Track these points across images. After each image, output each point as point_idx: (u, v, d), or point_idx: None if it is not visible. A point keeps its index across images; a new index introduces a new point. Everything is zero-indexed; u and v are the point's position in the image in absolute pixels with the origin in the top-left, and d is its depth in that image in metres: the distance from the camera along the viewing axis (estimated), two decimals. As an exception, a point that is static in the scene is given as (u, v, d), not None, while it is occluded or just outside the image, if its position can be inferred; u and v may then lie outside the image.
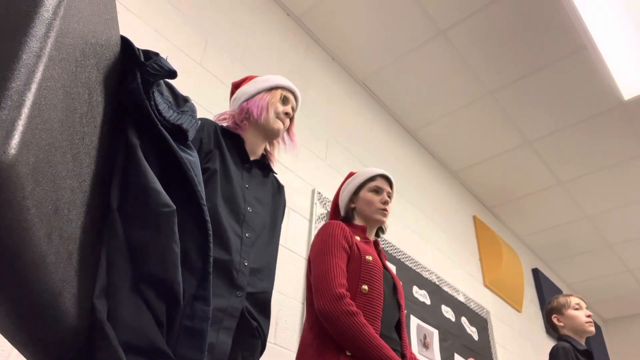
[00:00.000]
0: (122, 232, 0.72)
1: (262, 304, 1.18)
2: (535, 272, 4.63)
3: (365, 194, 1.63)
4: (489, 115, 3.36)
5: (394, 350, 1.37)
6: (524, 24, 2.77)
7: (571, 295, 2.39)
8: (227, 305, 1.07)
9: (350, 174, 1.73)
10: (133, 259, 0.73)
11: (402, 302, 1.52)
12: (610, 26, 2.74)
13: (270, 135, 1.40)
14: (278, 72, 2.53)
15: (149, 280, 0.73)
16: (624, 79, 3.02)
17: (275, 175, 1.44)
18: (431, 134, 3.58)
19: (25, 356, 0.62)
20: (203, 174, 1.18)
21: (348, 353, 1.26)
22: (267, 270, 1.22)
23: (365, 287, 1.38)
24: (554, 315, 2.37)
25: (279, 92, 1.42)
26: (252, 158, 1.36)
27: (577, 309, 2.32)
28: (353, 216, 1.63)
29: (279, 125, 1.39)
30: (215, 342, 1.02)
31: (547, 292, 4.51)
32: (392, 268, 2.69)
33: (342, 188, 1.69)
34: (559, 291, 4.82)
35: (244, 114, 1.38)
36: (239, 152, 1.32)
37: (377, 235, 1.67)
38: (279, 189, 1.41)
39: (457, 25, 2.80)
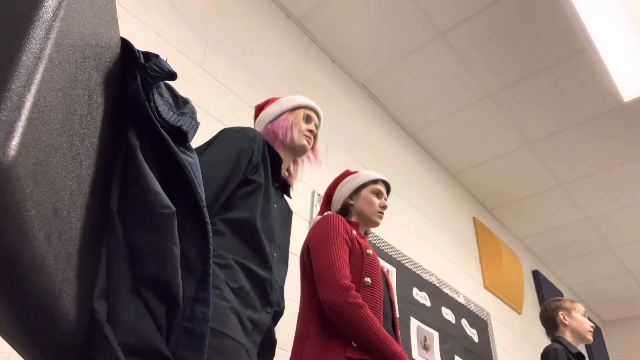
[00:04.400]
0: (121, 233, 0.72)
1: (276, 321, 1.24)
2: (536, 274, 4.63)
3: (367, 194, 1.65)
4: (489, 117, 3.36)
5: None
6: (524, 26, 2.77)
7: (576, 302, 2.43)
8: (258, 318, 1.10)
9: (347, 172, 1.74)
10: (133, 261, 0.73)
11: (394, 300, 1.54)
12: (610, 28, 2.75)
13: (297, 153, 1.45)
14: (278, 73, 2.53)
15: (149, 282, 0.73)
16: (623, 81, 3.02)
17: (288, 198, 1.47)
18: (431, 135, 3.58)
19: (24, 358, 0.61)
20: (247, 185, 1.21)
21: (354, 344, 1.27)
22: (283, 291, 1.27)
23: (368, 279, 1.39)
24: (561, 313, 2.38)
25: (302, 112, 1.46)
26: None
27: (583, 315, 2.37)
28: (349, 212, 1.64)
29: (304, 142, 1.43)
30: None
31: (547, 293, 4.51)
32: (392, 269, 2.69)
33: (342, 183, 1.70)
34: (559, 293, 4.81)
35: (270, 136, 1.42)
36: (273, 170, 1.35)
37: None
38: (289, 212, 1.44)
39: (457, 27, 2.80)
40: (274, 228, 1.24)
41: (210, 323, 0.86)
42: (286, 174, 1.47)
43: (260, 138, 1.31)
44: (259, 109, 1.54)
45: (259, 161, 1.26)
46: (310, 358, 1.30)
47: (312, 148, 1.53)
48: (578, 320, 2.33)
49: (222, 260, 1.09)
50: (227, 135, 1.25)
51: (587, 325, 2.32)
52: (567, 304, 2.40)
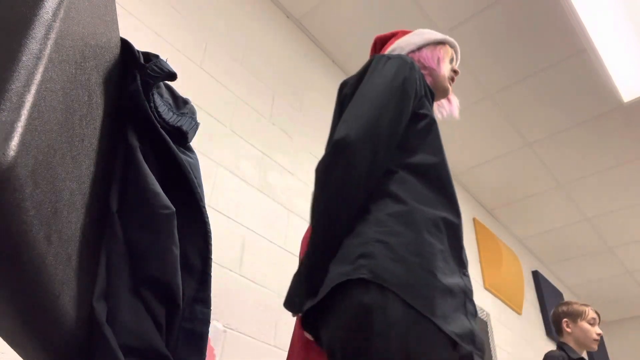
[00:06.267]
0: (121, 234, 0.72)
1: None
2: (535, 275, 4.62)
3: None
4: (488, 117, 3.36)
5: None
6: (524, 27, 2.77)
7: (588, 306, 2.33)
8: (463, 285, 0.87)
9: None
10: (132, 261, 0.73)
11: None
12: (610, 28, 2.75)
13: (440, 94, 1.23)
14: (278, 74, 2.53)
15: (149, 283, 0.73)
16: (623, 81, 3.02)
17: None
18: (431, 136, 3.58)
19: (24, 358, 0.61)
20: (420, 120, 1.00)
21: None
22: None
23: None
24: (565, 320, 2.32)
25: (449, 50, 1.26)
26: None
27: (591, 323, 2.28)
28: None
29: (447, 84, 1.22)
30: (474, 329, 0.83)
31: (547, 294, 4.51)
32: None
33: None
34: (559, 293, 4.81)
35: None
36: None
37: None
38: None
39: (458, 27, 2.80)
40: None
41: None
42: None
43: (418, 66, 1.08)
44: (383, 41, 1.33)
45: (422, 93, 1.05)
46: (297, 356, 1.32)
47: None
48: (582, 329, 2.26)
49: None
50: (383, 63, 1.03)
51: (592, 334, 2.24)
52: (575, 310, 2.32)
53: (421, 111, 1.02)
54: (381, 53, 1.20)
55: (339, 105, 1.11)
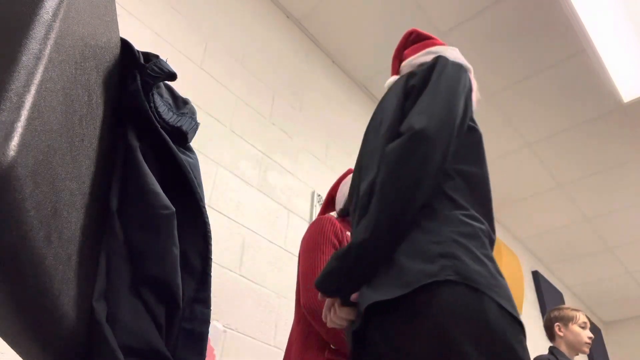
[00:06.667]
0: (121, 234, 0.72)
1: None
2: (535, 275, 4.63)
3: None
4: (488, 117, 3.36)
5: None
6: (523, 27, 2.77)
7: (579, 311, 2.39)
8: None
9: (350, 171, 1.72)
10: (132, 262, 0.73)
11: None
12: (610, 29, 2.75)
13: None
14: (278, 74, 2.53)
15: (148, 283, 0.73)
16: (623, 81, 3.02)
17: None
18: (431, 136, 3.58)
19: (23, 358, 0.61)
20: (469, 130, 1.01)
21: (333, 347, 1.28)
22: None
23: None
24: (557, 324, 2.37)
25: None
26: None
27: (582, 327, 2.34)
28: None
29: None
30: None
31: (547, 294, 4.51)
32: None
33: (344, 182, 1.68)
34: (559, 294, 4.81)
35: None
36: None
37: None
38: None
39: (458, 28, 2.80)
40: None
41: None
42: None
43: None
44: (422, 37, 1.32)
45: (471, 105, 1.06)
46: (294, 356, 1.32)
47: None
48: (574, 333, 2.31)
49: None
50: (451, 66, 1.04)
51: (584, 338, 2.30)
52: (566, 314, 2.37)
53: (471, 124, 1.04)
54: (427, 49, 1.24)
55: (403, 95, 1.07)
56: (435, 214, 0.89)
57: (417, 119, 0.91)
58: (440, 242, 0.84)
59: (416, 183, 0.87)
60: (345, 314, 0.92)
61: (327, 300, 0.95)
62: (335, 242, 1.43)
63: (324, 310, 0.97)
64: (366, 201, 0.93)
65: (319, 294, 0.93)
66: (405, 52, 1.33)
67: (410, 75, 1.09)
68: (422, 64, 1.19)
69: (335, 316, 0.93)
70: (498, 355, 0.73)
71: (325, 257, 1.38)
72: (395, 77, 1.25)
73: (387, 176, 0.89)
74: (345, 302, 0.92)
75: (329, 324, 0.95)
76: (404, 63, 1.28)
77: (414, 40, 1.36)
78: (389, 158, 0.90)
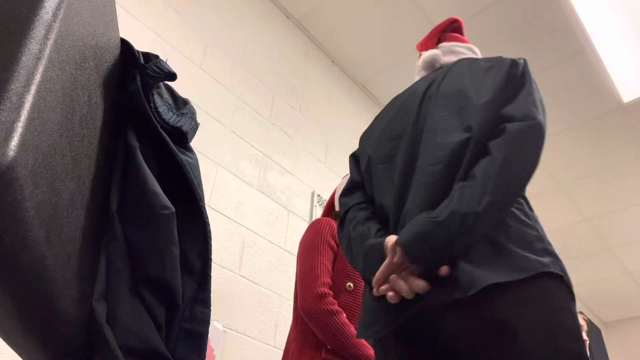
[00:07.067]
0: (121, 234, 0.72)
1: None
2: (535, 275, 4.62)
3: None
4: (488, 117, 3.36)
5: None
6: (523, 28, 2.77)
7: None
8: None
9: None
10: (132, 262, 0.73)
11: None
12: (610, 29, 2.75)
13: None
14: (278, 74, 2.53)
15: (148, 283, 0.73)
16: (623, 81, 3.02)
17: None
18: (431, 136, 3.58)
19: (23, 359, 0.61)
20: None
21: (329, 347, 1.28)
22: None
23: (350, 284, 1.38)
24: None
25: None
26: None
27: None
28: None
29: None
30: None
31: (547, 294, 4.51)
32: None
33: (339, 185, 1.69)
34: (559, 294, 4.81)
35: None
36: None
37: None
38: None
39: (457, 28, 2.80)
40: None
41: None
42: None
43: None
44: (456, 28, 1.32)
45: None
46: (292, 357, 1.32)
47: None
48: None
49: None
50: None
51: None
52: None
53: None
54: (464, 42, 1.26)
55: (505, 80, 0.98)
56: (524, 208, 0.93)
57: (535, 110, 0.91)
58: (540, 238, 0.88)
59: (531, 171, 0.89)
60: (421, 287, 0.78)
61: (391, 262, 0.81)
62: (333, 243, 1.44)
63: (380, 270, 0.83)
64: (461, 154, 0.88)
65: (396, 256, 0.80)
66: (449, 34, 1.31)
67: (514, 63, 1.01)
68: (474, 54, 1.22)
69: (405, 286, 0.80)
70: (572, 345, 0.82)
71: (322, 259, 1.39)
72: (437, 52, 1.23)
73: (513, 156, 0.86)
74: (424, 274, 0.79)
75: (386, 290, 0.82)
76: (456, 43, 1.25)
77: (458, 29, 1.35)
78: (515, 138, 0.87)
